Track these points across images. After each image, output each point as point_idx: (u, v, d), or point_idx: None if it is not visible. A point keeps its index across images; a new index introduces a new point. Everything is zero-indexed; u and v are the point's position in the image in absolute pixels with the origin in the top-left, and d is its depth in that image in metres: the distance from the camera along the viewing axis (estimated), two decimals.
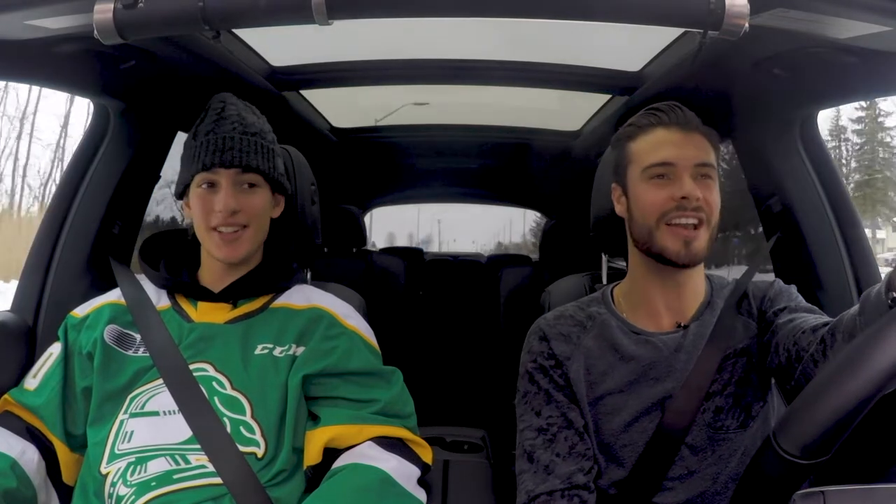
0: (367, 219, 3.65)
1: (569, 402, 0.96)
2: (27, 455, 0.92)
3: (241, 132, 0.98)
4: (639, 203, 0.95)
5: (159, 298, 1.04)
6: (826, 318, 0.85)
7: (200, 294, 1.03)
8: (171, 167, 1.27)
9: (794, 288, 0.99)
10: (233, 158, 0.96)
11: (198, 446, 0.89)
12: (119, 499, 0.87)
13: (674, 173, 0.92)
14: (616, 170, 1.01)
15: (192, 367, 0.95)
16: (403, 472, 0.94)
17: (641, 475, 0.91)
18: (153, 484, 0.87)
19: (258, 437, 0.92)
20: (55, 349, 1.01)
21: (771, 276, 1.33)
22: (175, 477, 0.88)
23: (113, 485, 0.88)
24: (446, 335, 3.30)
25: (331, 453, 0.96)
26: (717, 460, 0.91)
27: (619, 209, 1.01)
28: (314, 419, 0.98)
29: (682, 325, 0.97)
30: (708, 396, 0.91)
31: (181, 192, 1.03)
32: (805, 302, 0.96)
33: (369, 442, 0.95)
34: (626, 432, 0.93)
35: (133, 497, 0.86)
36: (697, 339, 0.95)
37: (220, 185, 0.98)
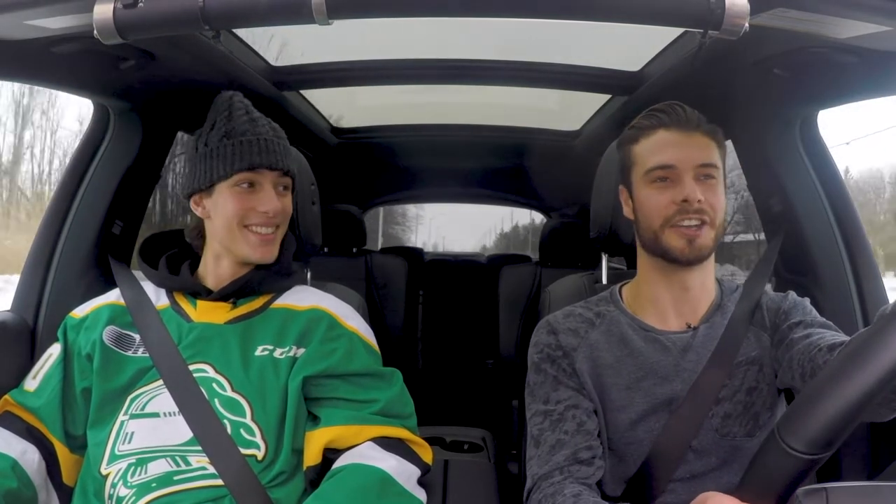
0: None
1: (577, 388, 0.96)
2: (28, 455, 0.92)
3: (274, 135, 1.02)
4: (643, 207, 0.95)
5: (158, 297, 1.04)
6: (842, 337, 0.85)
7: (200, 292, 1.03)
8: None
9: (807, 301, 0.99)
10: (276, 161, 0.99)
11: (198, 448, 0.89)
12: (119, 500, 0.87)
13: (675, 175, 0.92)
14: (622, 172, 1.02)
15: (191, 367, 0.95)
16: (403, 472, 0.94)
17: (646, 475, 0.91)
18: (153, 485, 0.87)
19: (258, 439, 0.92)
20: (54, 350, 1.01)
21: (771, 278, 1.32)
22: (175, 478, 0.88)
23: (113, 486, 0.88)
24: (446, 335, 3.30)
25: (330, 454, 0.96)
26: (722, 465, 0.91)
27: (627, 211, 1.02)
28: (314, 420, 0.98)
29: (692, 325, 0.97)
30: (717, 401, 0.91)
31: (196, 190, 1.00)
32: (819, 317, 0.95)
33: (369, 442, 0.95)
34: (633, 430, 0.93)
35: (133, 498, 0.86)
36: (707, 340, 0.95)
37: (262, 187, 0.99)
